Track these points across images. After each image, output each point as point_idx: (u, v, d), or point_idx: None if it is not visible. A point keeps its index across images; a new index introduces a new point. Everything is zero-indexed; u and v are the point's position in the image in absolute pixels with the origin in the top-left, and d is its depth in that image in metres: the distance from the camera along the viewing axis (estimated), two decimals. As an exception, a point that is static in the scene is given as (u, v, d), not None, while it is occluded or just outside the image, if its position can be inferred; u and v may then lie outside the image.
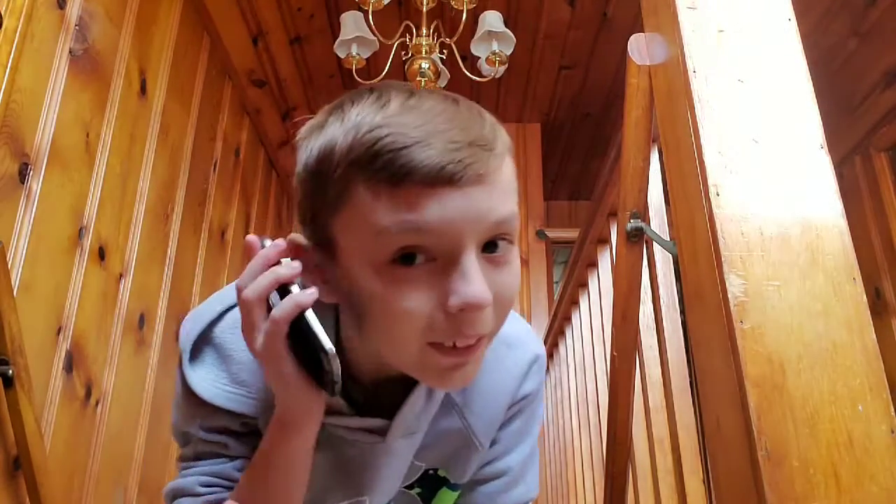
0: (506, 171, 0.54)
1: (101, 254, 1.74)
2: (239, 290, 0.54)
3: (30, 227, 1.45)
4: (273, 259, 0.53)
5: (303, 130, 0.56)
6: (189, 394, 0.62)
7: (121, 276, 1.84)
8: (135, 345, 1.90)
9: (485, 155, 0.50)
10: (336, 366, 0.51)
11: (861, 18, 2.07)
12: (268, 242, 0.55)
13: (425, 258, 0.50)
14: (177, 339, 0.72)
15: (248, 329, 0.54)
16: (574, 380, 2.10)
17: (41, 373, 1.48)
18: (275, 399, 0.57)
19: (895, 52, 2.00)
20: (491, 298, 0.49)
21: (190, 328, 0.63)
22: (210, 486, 0.63)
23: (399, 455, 0.67)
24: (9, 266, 1.35)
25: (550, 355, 2.58)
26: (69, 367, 1.59)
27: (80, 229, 1.65)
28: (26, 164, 1.45)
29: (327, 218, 0.52)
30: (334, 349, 0.51)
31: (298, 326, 0.52)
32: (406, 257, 0.49)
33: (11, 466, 1.37)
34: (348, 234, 0.51)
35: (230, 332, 0.63)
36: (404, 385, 0.62)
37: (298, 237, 0.56)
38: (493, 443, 0.72)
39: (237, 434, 0.64)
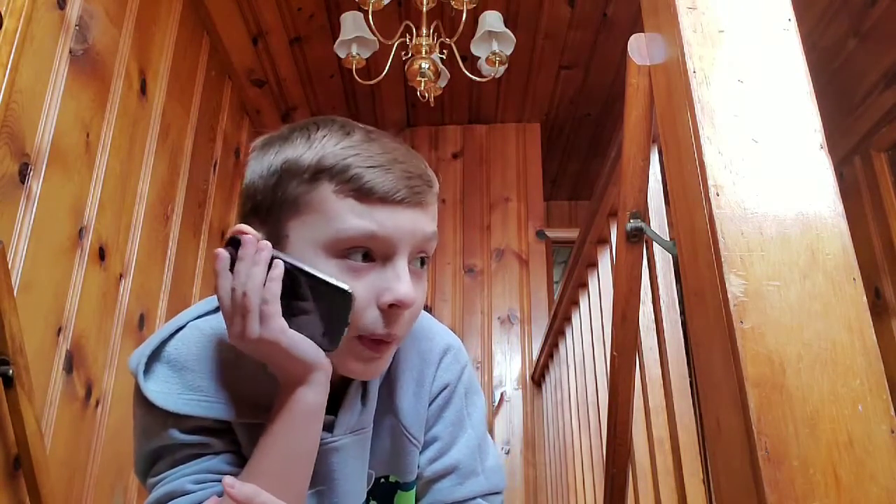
0: (435, 206, 0.66)
1: (102, 254, 1.74)
2: (237, 293, 0.59)
3: (30, 228, 1.45)
4: (252, 255, 0.60)
5: (260, 141, 0.67)
6: (151, 410, 0.64)
7: (121, 276, 1.84)
8: (135, 345, 1.90)
9: (426, 188, 0.64)
10: (353, 303, 0.58)
11: (861, 18, 2.07)
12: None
13: (368, 259, 0.61)
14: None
15: (242, 318, 0.59)
16: (574, 380, 2.10)
17: (41, 373, 1.48)
18: (278, 373, 0.61)
19: (895, 52, 2.00)
20: (415, 298, 0.61)
21: (140, 353, 0.66)
22: (202, 482, 0.62)
23: (351, 453, 0.68)
24: (9, 266, 1.35)
25: (550, 355, 2.58)
26: (69, 367, 1.59)
27: (81, 230, 1.65)
28: (27, 165, 1.45)
29: (284, 214, 0.62)
30: (351, 288, 0.58)
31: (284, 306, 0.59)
32: (354, 254, 0.60)
33: (12, 466, 1.37)
34: (304, 228, 0.61)
35: (182, 347, 0.67)
36: (341, 387, 0.68)
37: (248, 229, 0.62)
38: (434, 440, 0.74)
39: (215, 431, 0.65)
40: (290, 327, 0.59)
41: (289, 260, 0.60)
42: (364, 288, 0.60)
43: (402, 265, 0.61)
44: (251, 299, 0.58)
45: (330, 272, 0.59)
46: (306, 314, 0.60)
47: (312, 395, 0.61)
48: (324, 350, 0.60)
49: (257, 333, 0.58)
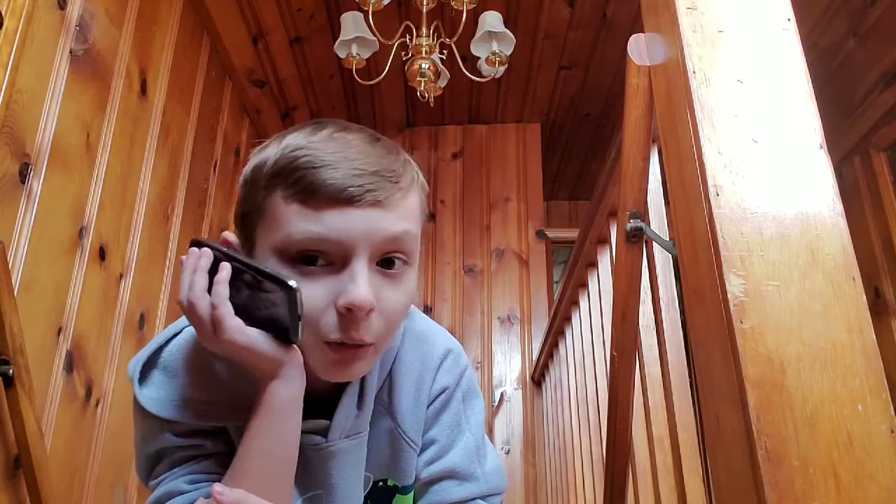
0: (409, 201, 0.62)
1: (102, 254, 1.74)
2: (195, 302, 0.59)
3: (30, 227, 1.45)
4: (194, 263, 0.60)
5: (253, 151, 0.67)
6: (148, 416, 0.65)
7: (121, 276, 1.84)
8: (135, 345, 1.90)
9: (386, 184, 0.60)
10: (300, 297, 0.56)
11: (860, 18, 2.07)
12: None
13: (325, 262, 0.59)
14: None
15: (199, 325, 0.59)
16: (574, 380, 2.10)
17: (42, 373, 1.48)
18: (251, 370, 0.61)
19: (894, 52, 2.00)
20: (373, 302, 0.58)
21: (137, 358, 0.67)
22: (196, 482, 0.64)
23: (348, 458, 0.69)
24: (10, 266, 1.35)
25: (550, 355, 2.58)
26: (69, 367, 1.59)
27: (81, 229, 1.65)
28: (27, 165, 1.45)
29: (252, 219, 0.62)
30: (297, 284, 0.57)
31: (243, 307, 0.59)
32: (308, 259, 0.59)
33: (12, 466, 1.37)
34: (265, 234, 0.61)
35: (176, 353, 0.68)
36: (337, 392, 0.67)
37: (230, 235, 0.64)
38: (432, 442, 0.74)
39: (209, 433, 0.66)
40: (255, 324, 0.59)
41: (238, 258, 0.60)
42: (321, 291, 0.58)
43: (358, 268, 0.58)
44: (198, 306, 0.58)
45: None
46: (268, 308, 0.59)
47: (285, 389, 0.60)
48: (287, 342, 0.60)
49: (212, 337, 0.58)
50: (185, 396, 0.65)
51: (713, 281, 0.56)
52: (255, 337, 0.59)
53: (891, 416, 0.49)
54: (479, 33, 2.22)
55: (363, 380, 0.69)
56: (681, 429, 1.06)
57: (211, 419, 0.65)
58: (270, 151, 0.62)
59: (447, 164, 3.49)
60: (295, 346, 0.60)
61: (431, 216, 3.34)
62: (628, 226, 1.06)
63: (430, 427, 0.75)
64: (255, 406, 0.61)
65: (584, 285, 1.87)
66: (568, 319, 2.19)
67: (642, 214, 1.07)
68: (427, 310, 3.17)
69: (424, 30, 2.21)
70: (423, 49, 2.19)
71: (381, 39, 2.23)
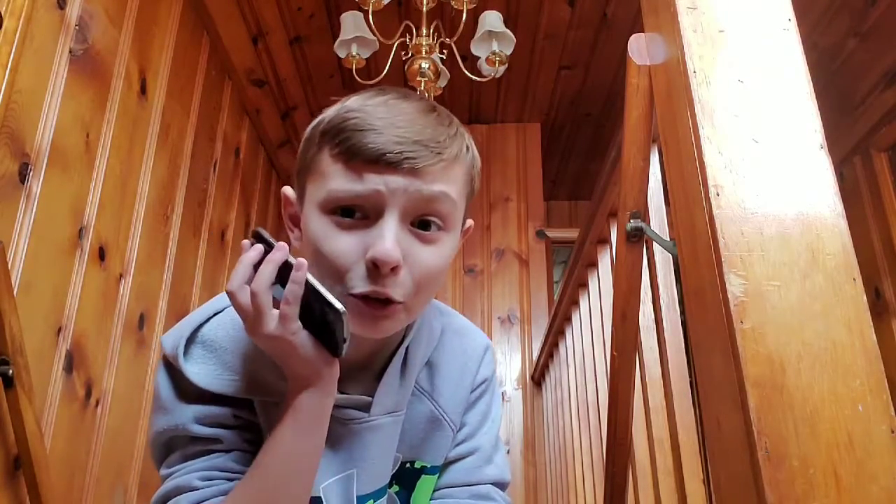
0: (451, 172, 0.64)
1: (101, 254, 1.74)
2: (234, 293, 0.59)
3: (30, 228, 1.45)
4: (257, 258, 0.60)
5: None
6: (178, 392, 0.66)
7: (121, 276, 1.84)
8: (135, 345, 1.90)
9: (427, 153, 0.61)
10: (346, 322, 0.57)
11: (861, 18, 2.07)
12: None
13: (360, 216, 0.62)
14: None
15: (257, 317, 0.58)
16: (574, 380, 2.10)
17: (41, 373, 1.48)
18: (287, 372, 0.62)
19: (895, 52, 2.00)
20: (399, 258, 0.59)
21: (177, 334, 0.67)
22: (209, 479, 0.63)
23: (386, 434, 0.71)
24: (9, 266, 1.35)
25: (550, 355, 2.58)
26: (69, 367, 1.59)
27: (81, 229, 1.65)
28: (26, 165, 1.45)
29: (304, 174, 0.66)
30: (344, 308, 0.57)
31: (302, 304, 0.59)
32: (345, 211, 0.62)
33: (12, 466, 1.37)
34: (312, 189, 0.64)
35: (218, 330, 0.69)
36: (376, 367, 0.71)
37: (289, 190, 0.69)
38: (463, 425, 0.78)
39: (230, 427, 0.66)
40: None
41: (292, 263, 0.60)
42: (352, 243, 0.61)
43: (388, 224, 0.60)
44: (260, 298, 0.58)
45: (322, 228, 0.62)
46: (316, 320, 0.60)
47: (317, 399, 0.61)
48: (331, 356, 0.61)
49: (270, 330, 0.58)
50: (228, 370, 0.66)
51: (713, 281, 0.56)
52: (308, 342, 0.60)
53: (891, 417, 0.49)
54: (479, 33, 2.22)
55: (406, 362, 0.72)
56: (681, 429, 1.06)
57: (251, 394, 0.66)
58: (331, 111, 0.65)
59: (447, 163, 3.48)
60: (336, 361, 0.62)
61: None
62: (628, 226, 1.06)
63: (466, 412, 0.79)
64: (285, 409, 0.62)
65: (584, 285, 1.87)
66: (568, 319, 2.19)
67: (642, 214, 1.07)
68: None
69: (424, 29, 2.21)
70: (423, 49, 2.19)
71: (381, 39, 2.23)
